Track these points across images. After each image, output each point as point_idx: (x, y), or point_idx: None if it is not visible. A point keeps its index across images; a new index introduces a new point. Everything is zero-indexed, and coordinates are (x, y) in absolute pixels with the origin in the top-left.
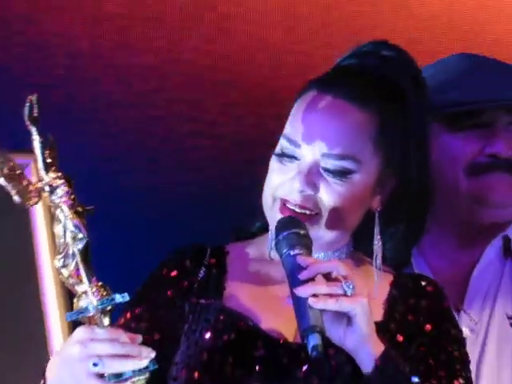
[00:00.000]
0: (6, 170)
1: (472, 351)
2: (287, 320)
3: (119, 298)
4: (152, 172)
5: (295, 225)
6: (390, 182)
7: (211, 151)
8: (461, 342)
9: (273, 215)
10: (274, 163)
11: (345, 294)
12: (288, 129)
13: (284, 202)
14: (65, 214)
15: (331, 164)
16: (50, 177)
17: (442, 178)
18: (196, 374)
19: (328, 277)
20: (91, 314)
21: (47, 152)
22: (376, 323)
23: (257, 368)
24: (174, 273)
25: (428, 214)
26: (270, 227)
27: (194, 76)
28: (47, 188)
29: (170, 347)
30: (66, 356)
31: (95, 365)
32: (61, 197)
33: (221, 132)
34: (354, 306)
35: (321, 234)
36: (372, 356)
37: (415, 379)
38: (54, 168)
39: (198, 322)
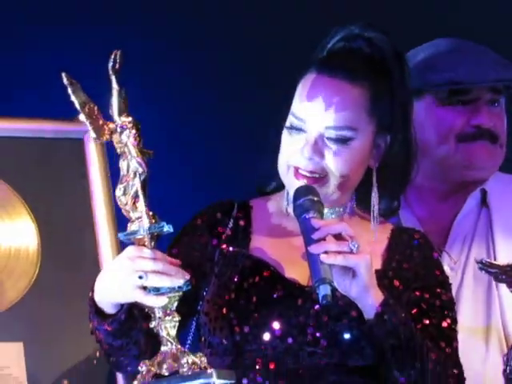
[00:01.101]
0: (86, 109)
1: (452, 285)
2: (302, 267)
3: (167, 226)
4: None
5: (309, 192)
6: (382, 143)
7: None
8: (448, 286)
9: (288, 180)
10: (285, 136)
11: (351, 252)
12: (294, 106)
13: (297, 169)
14: (130, 151)
15: (333, 134)
16: (121, 120)
17: (433, 144)
18: (225, 310)
19: (337, 236)
20: (141, 235)
21: (121, 100)
22: (376, 270)
23: (276, 306)
24: (206, 223)
25: (415, 172)
26: (287, 188)
27: None
28: (119, 129)
29: (198, 282)
30: (115, 269)
31: (140, 278)
32: (128, 137)
33: None
34: (358, 262)
35: (329, 193)
36: (373, 304)
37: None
38: (125, 114)
39: (227, 267)
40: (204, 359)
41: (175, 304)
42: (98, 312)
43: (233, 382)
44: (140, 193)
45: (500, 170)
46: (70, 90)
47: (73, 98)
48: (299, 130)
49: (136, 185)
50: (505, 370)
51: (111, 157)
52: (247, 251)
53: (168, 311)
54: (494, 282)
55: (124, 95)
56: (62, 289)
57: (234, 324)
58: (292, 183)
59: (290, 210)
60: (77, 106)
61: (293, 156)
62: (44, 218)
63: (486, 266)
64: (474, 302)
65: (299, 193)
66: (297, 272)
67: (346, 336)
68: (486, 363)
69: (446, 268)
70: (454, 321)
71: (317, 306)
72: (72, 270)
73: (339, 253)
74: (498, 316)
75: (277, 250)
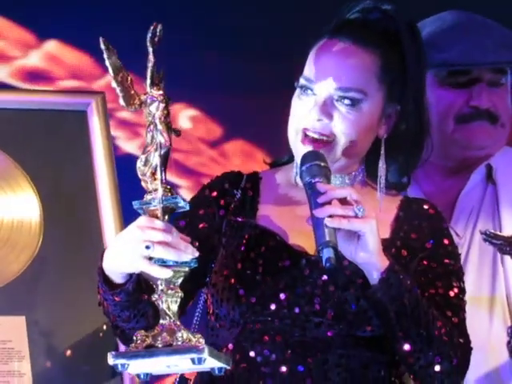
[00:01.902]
0: (119, 78)
1: None
2: (309, 237)
3: (181, 201)
4: None
5: (316, 157)
6: (393, 113)
7: None
8: (457, 256)
9: (296, 146)
10: (295, 100)
11: (356, 216)
12: (306, 70)
13: (305, 132)
14: (156, 123)
15: (343, 95)
16: (153, 92)
17: (435, 124)
18: (232, 280)
19: (342, 201)
20: (154, 207)
21: (156, 73)
22: (384, 239)
23: (283, 276)
24: (214, 193)
25: (429, 150)
26: (295, 157)
27: None
28: (149, 100)
29: (207, 255)
30: (125, 237)
31: (147, 248)
32: (157, 109)
33: None
34: (363, 226)
35: (336, 158)
36: (378, 269)
37: None
38: (157, 87)
39: (234, 237)
40: (202, 340)
41: (180, 279)
42: (106, 281)
43: (227, 367)
44: (159, 165)
45: None
46: (105, 55)
47: (107, 63)
48: (309, 91)
49: (157, 157)
50: (509, 342)
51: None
52: (254, 221)
53: (171, 285)
54: (499, 257)
55: (161, 72)
56: (65, 262)
57: (241, 295)
58: (299, 149)
59: (299, 180)
60: (110, 71)
61: (302, 119)
62: (47, 191)
63: (490, 237)
64: (478, 276)
65: (306, 158)
66: (304, 242)
67: (353, 305)
68: (490, 333)
69: None
70: (462, 290)
71: (324, 277)
72: (75, 242)
73: (344, 217)
74: (503, 289)
75: (284, 220)
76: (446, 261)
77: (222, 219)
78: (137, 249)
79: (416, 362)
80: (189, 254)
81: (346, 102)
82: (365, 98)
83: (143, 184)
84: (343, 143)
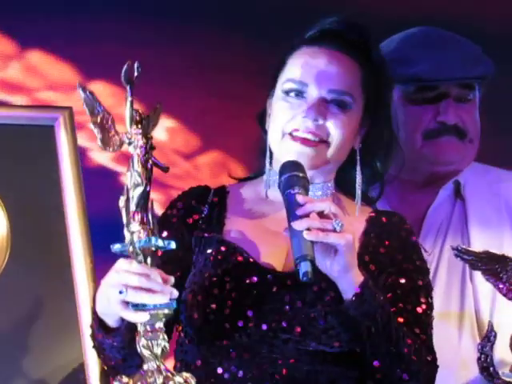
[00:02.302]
0: (98, 119)
1: None
2: (277, 252)
3: (155, 240)
4: None
5: (296, 168)
6: (366, 125)
7: None
8: (426, 271)
9: (283, 147)
10: (278, 103)
11: (334, 230)
12: (292, 73)
13: (291, 134)
14: (133, 163)
15: (335, 98)
16: (131, 132)
17: (403, 139)
18: (199, 297)
19: (321, 215)
20: (129, 249)
21: (134, 111)
22: None
23: (250, 293)
24: (181, 212)
25: (395, 164)
26: (279, 158)
27: None
28: (126, 140)
29: (183, 275)
30: (105, 281)
31: (121, 292)
32: (135, 148)
33: None
34: (340, 241)
35: (326, 160)
36: (353, 284)
37: None
38: (137, 126)
39: (202, 253)
40: (193, 381)
41: (160, 322)
42: (102, 325)
43: None
44: (135, 206)
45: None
46: (82, 98)
47: (84, 105)
48: (299, 93)
49: (135, 198)
50: (479, 358)
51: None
52: (221, 236)
53: (151, 328)
54: (467, 273)
55: (156, 110)
56: (32, 276)
57: (209, 311)
58: (288, 148)
59: (271, 192)
60: (87, 113)
61: (291, 121)
62: (14, 205)
63: (461, 253)
64: (447, 292)
65: (285, 168)
66: (272, 257)
67: (321, 322)
68: (459, 349)
69: None
70: (430, 306)
71: (291, 293)
72: (42, 256)
73: (322, 230)
74: (472, 305)
75: (252, 234)
76: (414, 276)
77: (190, 237)
78: (112, 293)
79: (383, 378)
80: (165, 295)
81: (338, 104)
82: (353, 103)
83: (125, 225)
84: (335, 145)
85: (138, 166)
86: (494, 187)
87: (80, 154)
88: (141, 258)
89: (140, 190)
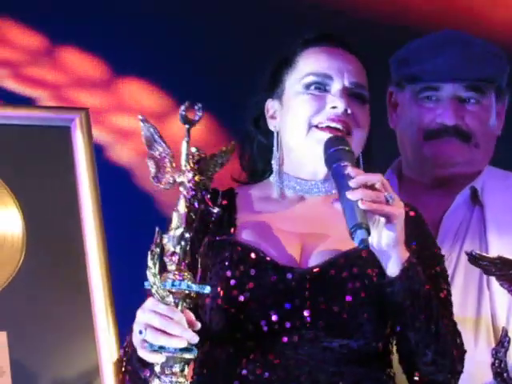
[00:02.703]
0: (156, 154)
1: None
2: (292, 250)
3: (185, 285)
4: None
5: (342, 143)
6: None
7: None
8: (441, 258)
9: (309, 141)
10: (301, 98)
11: (387, 202)
12: (313, 67)
13: (318, 125)
14: (178, 203)
15: (358, 90)
16: (185, 174)
17: (409, 140)
18: (219, 301)
19: (372, 187)
20: (152, 290)
21: (190, 154)
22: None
23: (270, 292)
24: None
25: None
26: (287, 166)
27: None
28: (178, 179)
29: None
30: (136, 317)
31: (140, 332)
32: (184, 190)
33: None
34: (394, 212)
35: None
36: (400, 258)
37: None
38: (191, 166)
39: (216, 257)
40: None
41: (178, 366)
42: (139, 358)
43: None
44: (173, 248)
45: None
46: (142, 131)
47: (143, 138)
48: (321, 86)
49: (174, 238)
50: (493, 364)
51: (98, 146)
52: (234, 238)
53: (167, 371)
54: (485, 279)
55: (230, 149)
56: (47, 277)
57: (230, 315)
58: (319, 138)
59: (286, 191)
60: (145, 145)
61: (319, 113)
62: (30, 207)
63: (475, 258)
64: (464, 298)
65: (331, 142)
66: (287, 255)
67: (344, 314)
68: (474, 354)
69: None
70: (449, 292)
71: (312, 289)
72: (57, 258)
73: (375, 202)
74: (489, 310)
75: (264, 234)
76: (432, 263)
77: (200, 242)
78: (135, 330)
79: (421, 357)
80: (182, 340)
81: (358, 98)
82: (368, 98)
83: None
84: (359, 137)
85: (181, 207)
86: None
87: (96, 153)
88: (170, 299)
89: (179, 232)
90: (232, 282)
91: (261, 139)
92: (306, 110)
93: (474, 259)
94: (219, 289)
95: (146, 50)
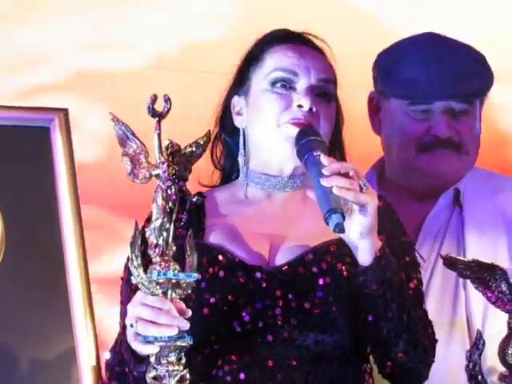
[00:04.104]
0: (131, 152)
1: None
2: (260, 249)
3: (172, 273)
4: None
5: (314, 133)
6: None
7: None
8: (411, 247)
9: (279, 136)
10: (267, 96)
11: (361, 190)
12: (280, 63)
13: (291, 122)
14: (156, 196)
15: (325, 87)
16: (159, 167)
17: (397, 150)
18: (191, 304)
19: (345, 175)
20: (137, 282)
21: (169, 144)
22: (338, 239)
23: (241, 293)
24: None
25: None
26: (252, 163)
27: None
28: (154, 172)
29: None
30: (127, 312)
31: (131, 325)
32: (162, 182)
33: None
34: (368, 200)
35: None
36: (373, 247)
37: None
38: (168, 157)
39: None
40: None
41: (174, 354)
42: (134, 354)
43: None
44: (155, 238)
45: None
46: (114, 130)
47: (116, 138)
48: (287, 84)
49: (154, 230)
50: (467, 366)
51: (77, 146)
52: (203, 241)
53: (163, 360)
54: (461, 281)
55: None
56: (26, 277)
57: (201, 317)
58: (289, 133)
59: (250, 191)
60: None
61: (285, 111)
62: (8, 207)
63: (451, 262)
64: (440, 300)
65: (302, 134)
66: (256, 255)
67: (315, 309)
68: (447, 358)
69: None
70: (420, 282)
71: (281, 287)
72: (36, 258)
73: (349, 189)
74: (464, 313)
75: (233, 235)
76: (402, 252)
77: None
78: (127, 325)
79: (393, 347)
80: (171, 328)
81: (325, 95)
82: (334, 96)
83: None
84: (323, 135)
85: (159, 199)
86: (493, 193)
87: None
88: (158, 290)
89: (159, 223)
90: (202, 284)
91: (226, 138)
92: (272, 109)
93: (450, 262)
94: (190, 292)
95: None
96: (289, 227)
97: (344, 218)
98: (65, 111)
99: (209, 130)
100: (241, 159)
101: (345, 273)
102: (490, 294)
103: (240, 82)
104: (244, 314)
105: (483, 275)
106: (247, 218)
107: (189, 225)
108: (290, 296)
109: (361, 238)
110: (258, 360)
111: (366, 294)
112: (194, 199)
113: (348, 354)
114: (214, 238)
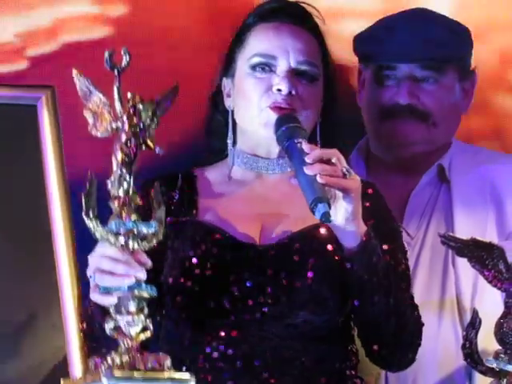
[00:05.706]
0: (94, 106)
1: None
2: (252, 228)
3: (131, 224)
4: None
5: (294, 120)
6: (324, 98)
7: None
8: (399, 233)
9: (261, 120)
10: (248, 81)
11: (344, 176)
12: (258, 47)
13: (271, 107)
14: (115, 148)
15: (305, 69)
16: (119, 119)
17: (369, 122)
18: (182, 280)
19: (328, 162)
20: (96, 234)
21: (121, 97)
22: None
23: (232, 270)
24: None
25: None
26: (239, 143)
27: None
28: (115, 126)
29: (158, 261)
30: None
31: (90, 277)
32: (122, 134)
33: None
34: (352, 186)
35: None
36: (358, 232)
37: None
38: (128, 111)
39: (178, 237)
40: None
41: (135, 305)
42: (98, 307)
43: None
44: (115, 189)
45: None
46: (77, 84)
47: (79, 92)
48: (267, 67)
49: (114, 182)
50: (464, 345)
51: (64, 124)
52: (195, 219)
53: (123, 310)
54: (450, 258)
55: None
56: (13, 259)
57: (192, 293)
58: (271, 118)
59: (236, 172)
60: (83, 100)
61: (265, 95)
62: None
63: (448, 240)
64: (429, 278)
65: (282, 121)
66: (248, 233)
67: (306, 290)
68: (438, 337)
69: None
70: (408, 267)
71: (273, 265)
72: (23, 239)
73: (332, 176)
74: (453, 291)
75: (225, 214)
76: (390, 238)
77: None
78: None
79: (379, 331)
80: (129, 278)
81: (307, 76)
82: (319, 75)
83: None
84: (306, 117)
85: (118, 151)
86: (481, 169)
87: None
88: (117, 241)
89: (118, 174)
90: (194, 260)
91: (218, 117)
92: (253, 94)
93: (447, 241)
94: (181, 267)
95: None
96: (280, 208)
97: (330, 207)
98: (52, 88)
99: (177, 83)
100: (229, 141)
101: (336, 257)
102: (487, 273)
103: (227, 64)
104: (234, 291)
105: (480, 254)
106: (239, 198)
107: (181, 202)
108: (280, 275)
109: (346, 223)
110: (246, 337)
111: (353, 279)
112: (157, 150)
113: (336, 333)
114: (207, 216)
